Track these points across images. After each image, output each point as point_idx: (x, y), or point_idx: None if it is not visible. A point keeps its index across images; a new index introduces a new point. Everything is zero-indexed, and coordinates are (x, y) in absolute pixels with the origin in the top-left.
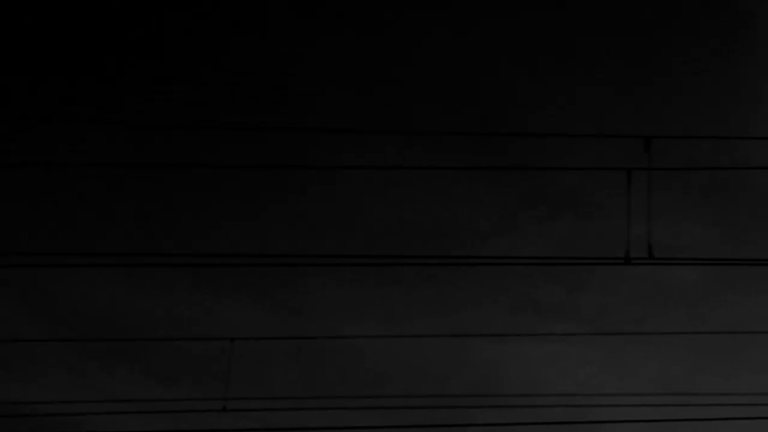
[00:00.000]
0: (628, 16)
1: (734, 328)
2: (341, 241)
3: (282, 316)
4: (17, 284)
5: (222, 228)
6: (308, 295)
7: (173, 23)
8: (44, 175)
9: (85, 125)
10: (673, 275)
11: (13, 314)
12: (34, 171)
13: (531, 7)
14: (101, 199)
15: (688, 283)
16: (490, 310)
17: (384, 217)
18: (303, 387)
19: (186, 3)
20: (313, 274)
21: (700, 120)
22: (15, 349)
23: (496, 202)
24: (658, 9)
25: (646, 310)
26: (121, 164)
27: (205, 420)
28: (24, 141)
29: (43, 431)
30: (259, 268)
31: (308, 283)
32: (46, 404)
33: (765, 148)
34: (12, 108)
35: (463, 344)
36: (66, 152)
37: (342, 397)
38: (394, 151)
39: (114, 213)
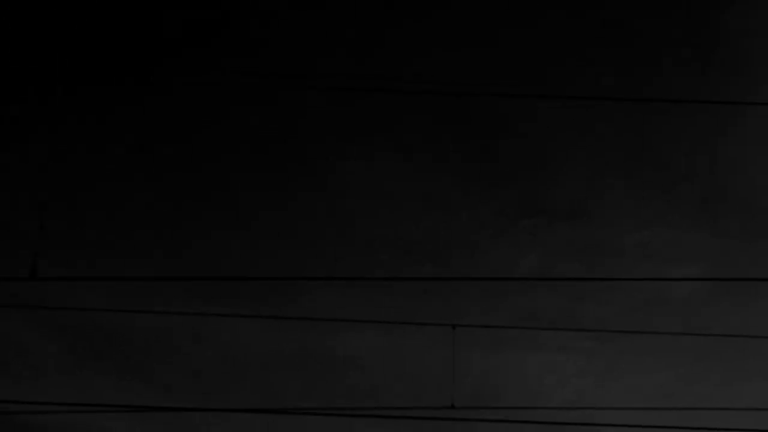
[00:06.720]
0: (622, 29)
1: (733, 337)
2: (339, 253)
3: (280, 326)
4: (17, 293)
5: (218, 239)
6: (307, 304)
7: (164, 31)
8: (38, 184)
9: (78, 135)
10: (671, 283)
11: (13, 322)
12: (31, 179)
13: (522, 24)
14: (94, 208)
15: (687, 292)
16: (488, 321)
17: (381, 229)
18: (302, 396)
19: (176, 16)
20: (312, 284)
21: (694, 131)
22: (15, 356)
23: (493, 212)
24: (652, 18)
25: (644, 318)
26: (116, 174)
27: (204, 428)
28: (21, 149)
29: None
30: (258, 279)
31: (307, 292)
32: (46, 412)
33: (763, 156)
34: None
35: (461, 354)
36: (58, 163)
37: (343, 412)
38: (390, 164)
39: (110, 222)
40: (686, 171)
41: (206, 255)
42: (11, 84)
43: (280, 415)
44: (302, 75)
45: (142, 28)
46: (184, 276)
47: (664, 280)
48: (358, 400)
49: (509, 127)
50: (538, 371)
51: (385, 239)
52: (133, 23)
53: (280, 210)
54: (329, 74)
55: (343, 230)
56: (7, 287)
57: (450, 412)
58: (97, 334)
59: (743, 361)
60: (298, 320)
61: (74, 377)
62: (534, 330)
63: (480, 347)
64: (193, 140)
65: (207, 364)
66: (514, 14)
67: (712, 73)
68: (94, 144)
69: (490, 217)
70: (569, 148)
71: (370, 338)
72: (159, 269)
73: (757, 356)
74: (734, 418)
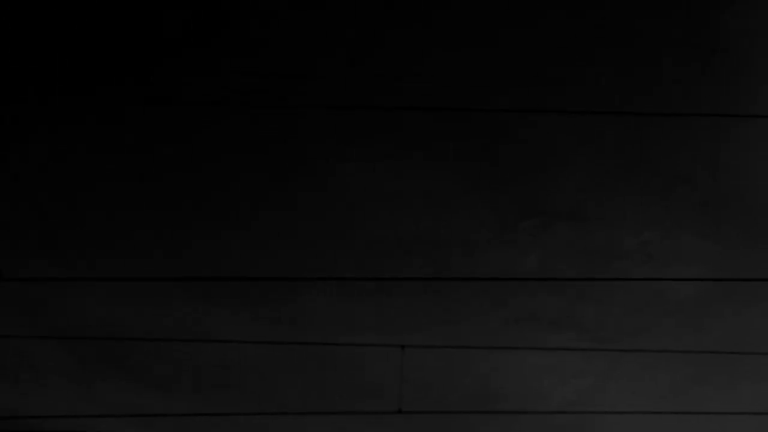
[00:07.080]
0: (622, 29)
1: (733, 339)
2: (339, 253)
3: (279, 327)
4: (16, 294)
5: (218, 239)
6: (306, 304)
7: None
8: (38, 184)
9: (78, 135)
10: (671, 286)
11: (12, 324)
12: (30, 179)
13: (521, 25)
14: (94, 208)
15: (687, 294)
16: (488, 321)
17: (382, 229)
18: (301, 397)
19: (178, 20)
20: (312, 284)
21: (691, 133)
22: (14, 360)
23: (493, 213)
24: (652, 18)
25: (645, 320)
26: (116, 174)
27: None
28: (21, 149)
29: None
30: (258, 279)
31: (306, 293)
32: (46, 415)
33: (762, 161)
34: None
35: (461, 355)
36: (58, 163)
37: (343, 413)
38: (390, 164)
39: (108, 223)
40: (685, 175)
41: (206, 255)
42: (11, 84)
43: (280, 415)
44: (302, 75)
45: (142, 28)
46: (184, 276)
47: (663, 281)
48: (358, 401)
49: (509, 130)
50: (538, 372)
51: (385, 239)
52: (133, 23)
53: (280, 210)
54: (329, 75)
55: (343, 230)
56: (8, 287)
57: (449, 414)
58: (97, 336)
59: (743, 364)
60: (297, 320)
61: (74, 379)
62: (534, 330)
63: (479, 348)
64: (193, 140)
65: (207, 364)
66: (514, 14)
67: (712, 74)
68: (94, 144)
69: (490, 218)
70: (569, 152)
71: (370, 339)
72: (159, 269)
73: (758, 359)
74: (733, 422)
